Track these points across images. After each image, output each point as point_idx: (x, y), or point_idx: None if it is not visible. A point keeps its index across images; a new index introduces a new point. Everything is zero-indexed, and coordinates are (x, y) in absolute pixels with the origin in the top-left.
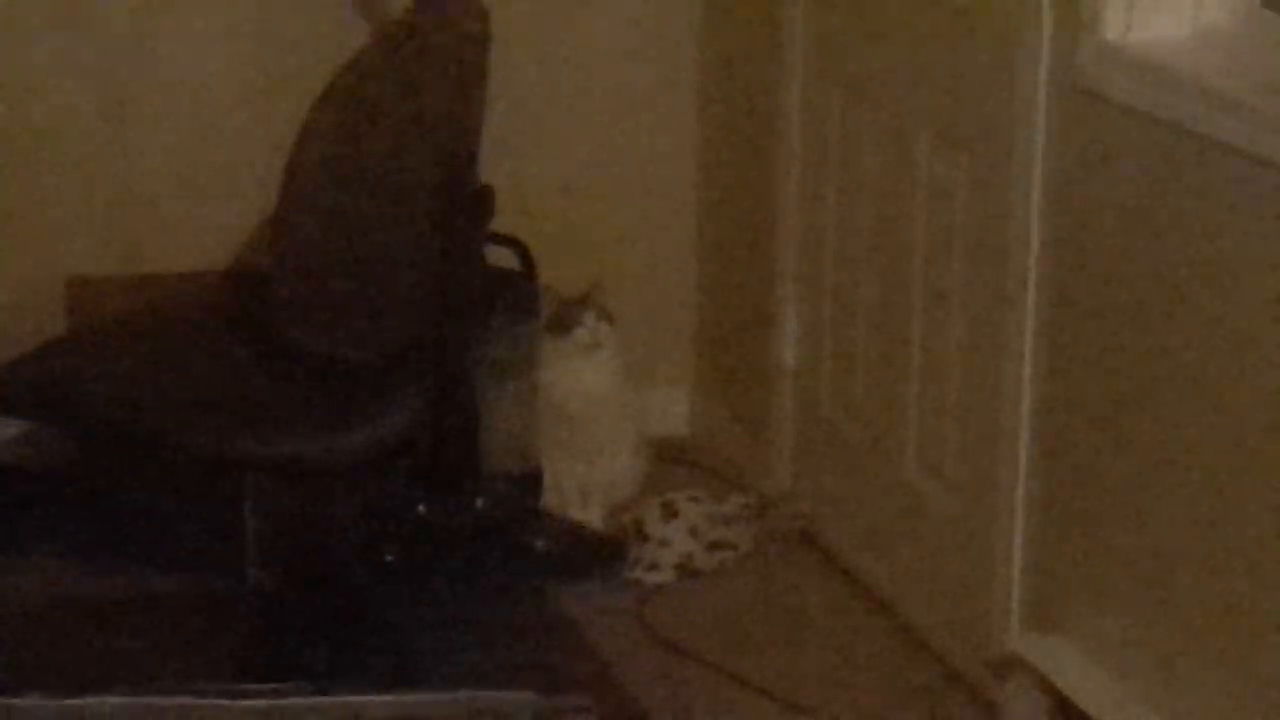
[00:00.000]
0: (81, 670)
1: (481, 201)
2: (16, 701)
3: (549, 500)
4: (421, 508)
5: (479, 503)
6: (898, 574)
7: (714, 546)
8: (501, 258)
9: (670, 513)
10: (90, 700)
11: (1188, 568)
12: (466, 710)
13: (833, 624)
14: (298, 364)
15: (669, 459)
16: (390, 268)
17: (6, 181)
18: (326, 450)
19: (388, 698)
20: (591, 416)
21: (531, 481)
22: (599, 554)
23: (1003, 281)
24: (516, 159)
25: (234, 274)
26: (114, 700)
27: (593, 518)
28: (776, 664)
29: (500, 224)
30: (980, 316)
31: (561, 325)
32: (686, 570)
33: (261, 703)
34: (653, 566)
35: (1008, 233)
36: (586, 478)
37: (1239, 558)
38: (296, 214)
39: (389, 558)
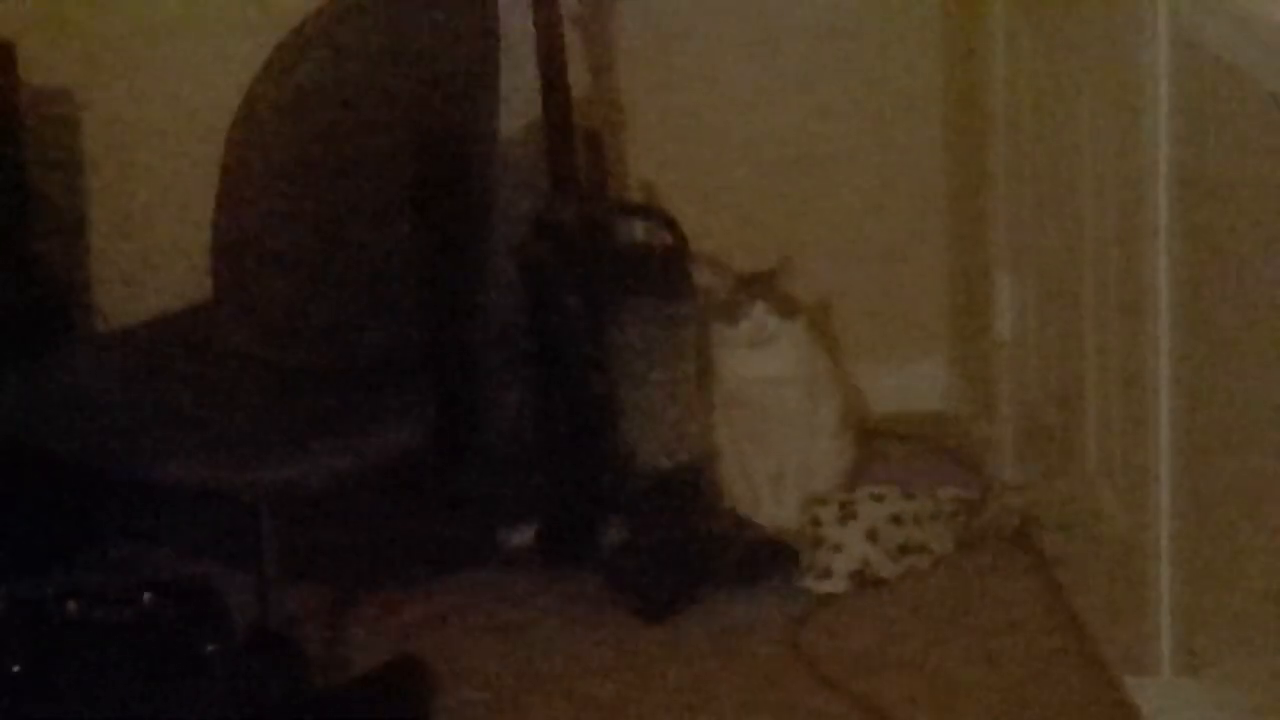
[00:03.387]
0: None
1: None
2: None
3: (737, 491)
4: (72, 604)
5: (146, 598)
6: (1086, 587)
7: (903, 550)
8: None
9: (848, 513)
10: None
11: None
12: None
13: (1013, 646)
14: (283, 380)
15: (908, 437)
16: (355, 259)
17: None
18: (326, 472)
19: None
20: (772, 402)
21: (689, 477)
22: (763, 558)
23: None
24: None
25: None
26: None
27: (785, 509)
28: (935, 695)
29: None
30: (1125, 325)
31: (728, 314)
32: (865, 578)
33: None
34: (825, 574)
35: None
36: (776, 466)
37: None
38: (236, 206)
39: (15, 668)
